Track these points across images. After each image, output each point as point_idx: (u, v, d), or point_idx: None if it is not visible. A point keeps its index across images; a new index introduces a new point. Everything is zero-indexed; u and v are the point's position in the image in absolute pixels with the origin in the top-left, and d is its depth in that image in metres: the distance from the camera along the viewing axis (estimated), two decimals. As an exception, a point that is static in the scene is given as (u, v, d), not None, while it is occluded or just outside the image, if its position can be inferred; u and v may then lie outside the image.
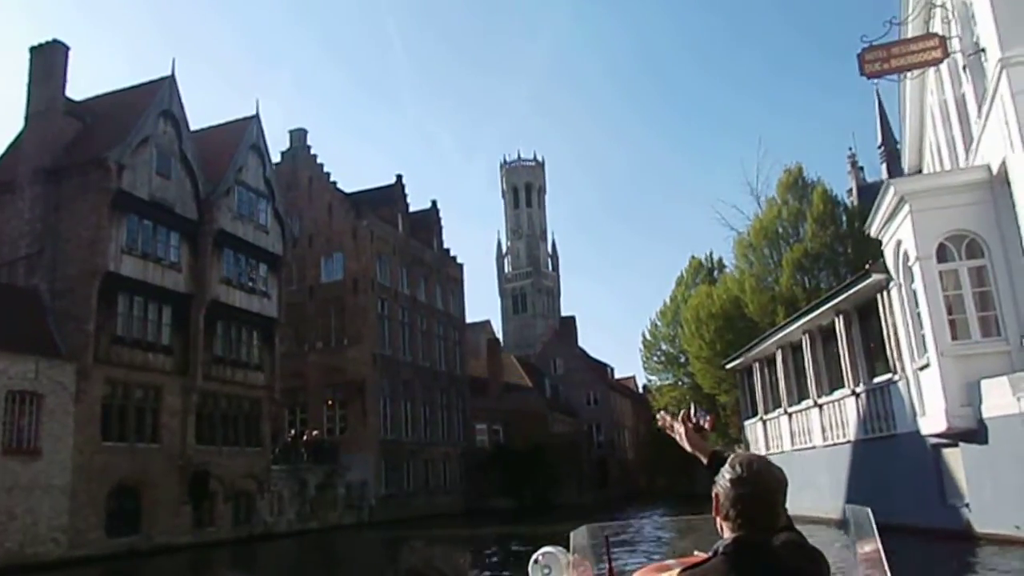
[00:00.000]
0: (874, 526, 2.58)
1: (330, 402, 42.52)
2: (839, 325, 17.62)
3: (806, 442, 20.31)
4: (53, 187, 25.74)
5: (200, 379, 28.43)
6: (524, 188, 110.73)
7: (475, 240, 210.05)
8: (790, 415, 21.47)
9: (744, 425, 26.46)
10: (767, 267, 38.97)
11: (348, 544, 29.58)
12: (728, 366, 26.77)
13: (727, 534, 1.93)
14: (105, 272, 25.03)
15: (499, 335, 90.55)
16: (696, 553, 3.02)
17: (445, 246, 55.50)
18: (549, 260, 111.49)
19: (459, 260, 56.36)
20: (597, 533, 3.21)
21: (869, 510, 2.65)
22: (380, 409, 42.89)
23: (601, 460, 62.71)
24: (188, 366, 28.10)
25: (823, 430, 18.96)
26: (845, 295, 16.80)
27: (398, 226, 48.31)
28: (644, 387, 74.02)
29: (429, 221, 53.63)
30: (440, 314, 51.81)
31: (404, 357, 46.20)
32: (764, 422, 23.57)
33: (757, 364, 24.18)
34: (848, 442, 17.54)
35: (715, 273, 50.66)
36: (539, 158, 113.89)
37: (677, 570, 2.40)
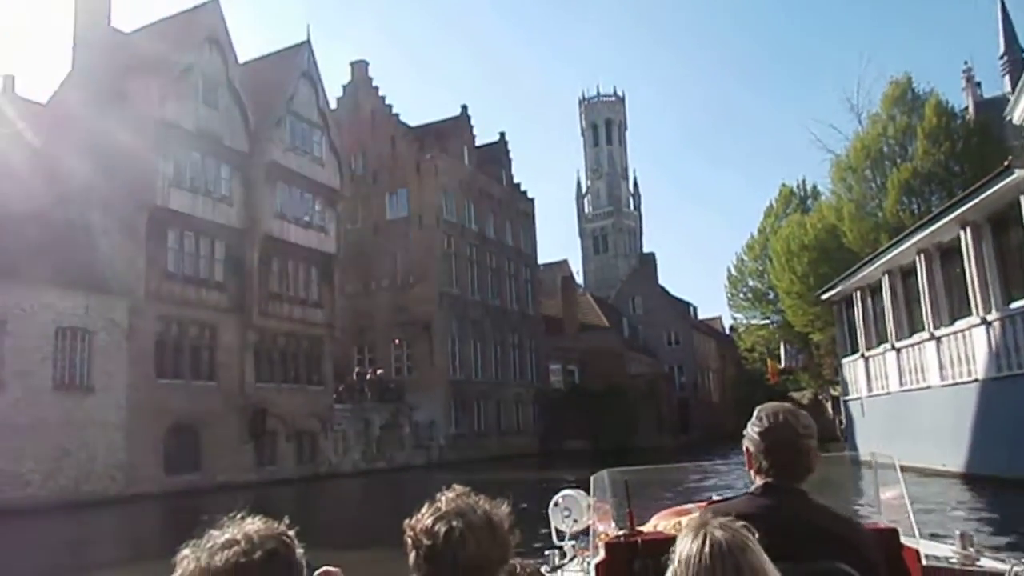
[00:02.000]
0: (899, 471, 2.55)
1: (397, 341, 41.49)
2: (966, 239, 14.69)
3: (918, 381, 17.56)
4: (100, 120, 24.66)
5: (256, 316, 27.49)
6: (604, 125, 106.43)
7: (552, 180, 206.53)
8: (898, 351, 18.68)
9: (841, 364, 23.68)
10: (869, 191, 35.60)
11: (415, 484, 28.55)
12: (824, 297, 23.86)
13: (758, 480, 1.99)
14: (153, 206, 24.03)
15: (579, 277, 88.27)
16: (714, 497, 2.83)
17: (515, 181, 53.25)
18: (631, 199, 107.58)
19: (530, 195, 54.05)
20: (618, 478, 3.06)
21: (894, 457, 2.62)
22: (448, 348, 41.63)
23: (683, 402, 60.24)
24: (244, 303, 27.14)
25: (941, 367, 16.19)
26: (974, 201, 13.86)
27: (464, 159, 46.27)
28: (730, 327, 70.91)
29: (497, 154, 51.38)
30: (510, 251, 49.88)
31: (472, 296, 44.65)
32: (866, 359, 20.79)
33: (858, 293, 21.28)
34: (974, 381, 14.80)
35: (808, 202, 47.36)
36: (619, 93, 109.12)
37: (697, 512, 2.45)
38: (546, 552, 3.09)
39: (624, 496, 2.94)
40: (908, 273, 18.72)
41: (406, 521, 1.56)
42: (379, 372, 36.31)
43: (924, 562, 2.33)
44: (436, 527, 1.50)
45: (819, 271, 35.60)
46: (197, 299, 25.51)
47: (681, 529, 1.87)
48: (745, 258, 51.45)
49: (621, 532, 2.82)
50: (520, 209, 52.18)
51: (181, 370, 24.78)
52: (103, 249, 23.01)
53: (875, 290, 20.62)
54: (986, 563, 2.39)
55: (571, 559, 3.04)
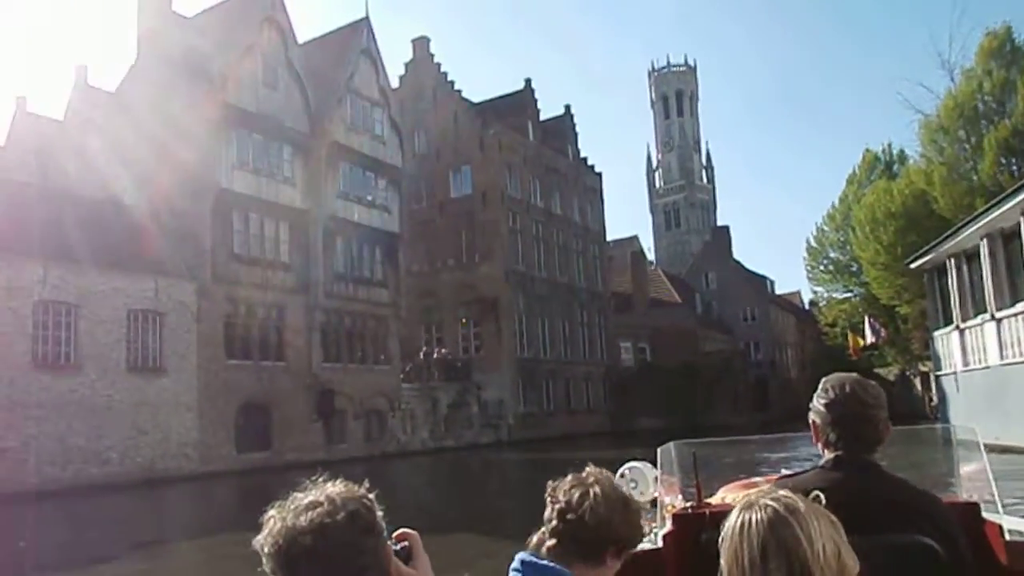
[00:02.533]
0: (981, 445, 2.49)
1: (464, 320, 41.27)
2: (1079, 198, 13.24)
3: (1022, 354, 16.09)
4: (164, 106, 24.92)
5: (322, 296, 27.52)
6: (675, 96, 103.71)
7: (621, 155, 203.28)
8: (999, 321, 17.15)
9: (933, 337, 22.09)
10: (962, 153, 32.89)
11: (484, 462, 28.32)
12: (913, 265, 22.24)
13: (828, 454, 1.94)
14: (218, 188, 24.16)
15: (650, 254, 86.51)
16: (783, 471, 2.64)
17: (582, 155, 52.13)
18: (703, 172, 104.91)
19: (597, 170, 52.84)
20: (685, 450, 3.07)
21: (976, 429, 2.58)
22: (515, 327, 41.19)
23: (760, 380, 58.34)
24: (309, 283, 27.19)
25: (1051, 338, 14.75)
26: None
27: (528, 134, 45.45)
28: (810, 303, 68.37)
29: (563, 129, 50.33)
30: (577, 227, 48.96)
31: (539, 273, 44.01)
32: (961, 332, 19.23)
33: (952, 261, 19.68)
34: (1089, 352, 13.39)
35: (894, 168, 44.63)
36: (691, 62, 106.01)
37: (765, 485, 2.15)
38: None
39: (691, 468, 2.94)
40: (1010, 237, 17.12)
41: (550, 482, 1.65)
42: (443, 351, 36.06)
43: (1007, 537, 2.24)
44: (573, 490, 1.60)
45: (907, 240, 33.57)
46: (263, 280, 25.64)
47: None
48: (825, 228, 49.25)
49: (688, 504, 2.84)
50: (587, 184, 51.11)
51: (250, 351, 24.99)
52: (171, 233, 23.28)
53: (971, 256, 19.02)
54: None
55: None
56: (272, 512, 1.19)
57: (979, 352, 18.56)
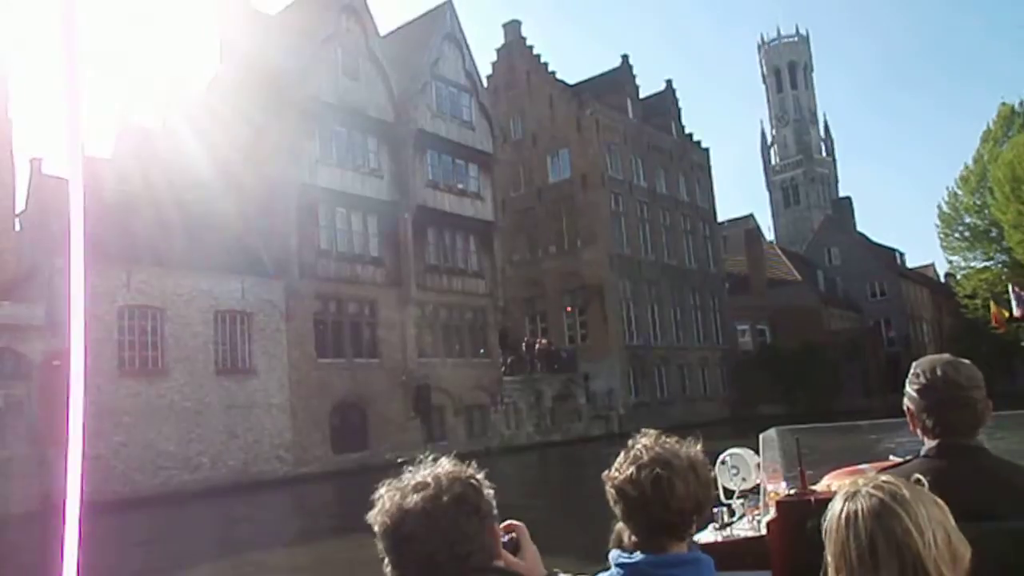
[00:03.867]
0: None
1: (569, 308, 39.91)
2: None
3: None
4: (248, 102, 24.91)
5: (415, 289, 26.90)
6: (787, 68, 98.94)
7: (733, 134, 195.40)
8: None
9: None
10: None
11: (594, 455, 26.96)
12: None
13: (929, 442, 1.90)
14: (302, 184, 23.89)
15: (769, 233, 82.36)
16: (891, 458, 2.93)
17: (687, 131, 49.53)
18: (822, 145, 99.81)
19: (704, 145, 50.07)
20: (787, 436, 3.04)
21: None
22: (622, 313, 39.45)
23: (892, 358, 53.70)
24: (401, 277, 26.61)
25: None
26: None
27: (628, 112, 43.46)
28: (946, 275, 62.80)
29: (665, 105, 47.94)
30: (685, 206, 46.49)
31: (646, 256, 42.00)
32: None
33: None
34: None
35: None
36: (803, 31, 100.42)
37: (871, 472, 2.09)
38: (714, 510, 2.92)
39: (794, 455, 2.86)
40: None
41: (605, 473, 1.53)
42: (544, 341, 34.84)
43: None
44: (642, 476, 1.49)
45: None
46: (353, 275, 25.24)
47: None
48: (959, 192, 45.03)
49: (793, 491, 2.74)
50: (694, 161, 48.48)
51: (342, 348, 24.65)
52: (257, 233, 23.19)
53: None
54: None
55: (740, 517, 2.95)
56: (383, 490, 1.20)
57: None
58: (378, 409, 25.20)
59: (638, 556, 1.49)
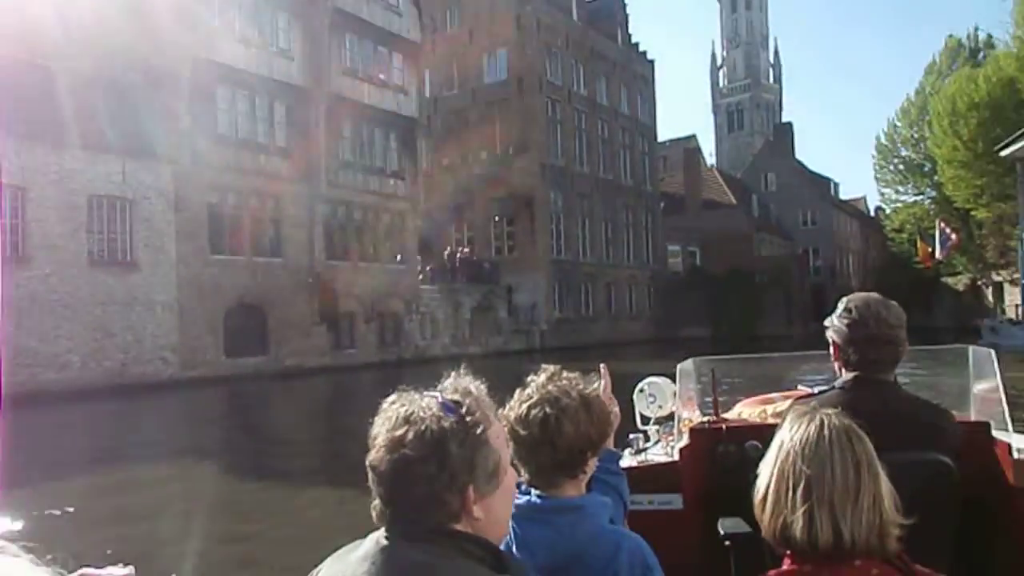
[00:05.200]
0: (996, 366, 2.54)
1: (496, 218, 38.41)
2: None
3: None
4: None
5: (325, 186, 24.91)
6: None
7: (684, 51, 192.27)
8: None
9: (1022, 238, 18.36)
10: None
11: (510, 369, 25.95)
12: (1004, 152, 18.36)
13: (846, 374, 2.01)
14: (196, 59, 21.29)
15: (711, 158, 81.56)
16: (800, 388, 3.07)
17: (633, 41, 47.36)
18: (770, 70, 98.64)
19: (650, 57, 48.08)
20: (703, 366, 3.13)
21: (992, 351, 2.60)
22: (552, 226, 38.17)
23: (817, 288, 54.32)
24: (311, 171, 24.53)
25: None
26: None
27: (572, 13, 40.99)
28: (876, 209, 63.47)
29: (611, 10, 45.47)
30: (625, 119, 44.85)
31: (580, 168, 40.49)
32: (1069, 231, 15.65)
33: (1064, 145, 15.88)
34: None
35: (980, 56, 40.47)
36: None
37: (781, 401, 2.85)
38: (630, 436, 2.91)
39: (709, 385, 2.97)
40: None
41: (499, 411, 1.43)
42: (465, 251, 33.38)
43: (1015, 455, 2.29)
44: (531, 414, 1.49)
45: (990, 134, 31.18)
46: (256, 166, 23.05)
47: (766, 417, 2.67)
48: (898, 124, 44.99)
49: (705, 418, 2.87)
50: (637, 73, 46.57)
51: (240, 244, 22.70)
52: (141, 110, 20.65)
53: (1092, 138, 15.20)
54: None
55: (655, 443, 2.99)
56: (388, 402, 1.14)
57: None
58: (280, 312, 23.54)
59: (524, 498, 1.47)
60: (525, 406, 1.50)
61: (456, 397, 1.14)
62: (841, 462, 1.20)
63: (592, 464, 1.55)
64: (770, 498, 1.24)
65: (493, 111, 38.32)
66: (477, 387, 1.19)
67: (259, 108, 23.37)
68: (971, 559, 2.10)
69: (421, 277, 29.65)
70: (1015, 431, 2.44)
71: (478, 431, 1.13)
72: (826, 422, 1.25)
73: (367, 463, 1.11)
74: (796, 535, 1.20)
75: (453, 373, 1.22)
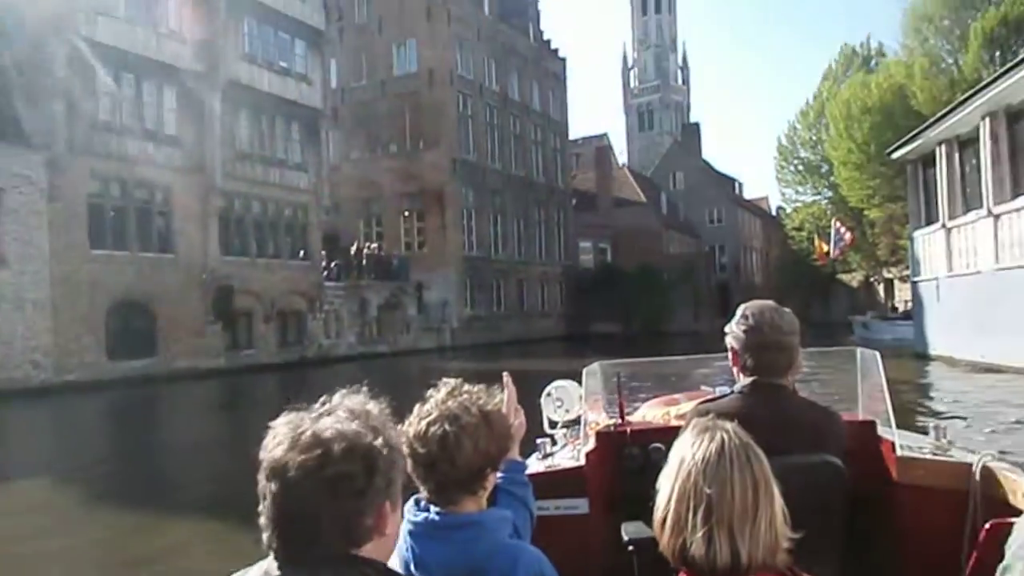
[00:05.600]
0: (880, 366, 2.63)
1: (407, 214, 37.72)
2: None
3: (1024, 258, 13.13)
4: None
5: (221, 178, 23.74)
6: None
7: (599, 53, 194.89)
8: (996, 218, 14.11)
9: (913, 238, 19.07)
10: (945, 45, 31.31)
11: (416, 369, 25.49)
12: (895, 155, 18.98)
13: (744, 379, 2.08)
14: (75, 37, 19.86)
15: (623, 156, 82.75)
16: (703, 388, 3.28)
17: (545, 38, 47.37)
18: (679, 72, 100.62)
19: (561, 54, 48.25)
20: (609, 370, 3.15)
21: (877, 353, 2.68)
22: (463, 222, 37.74)
23: (723, 284, 55.84)
24: (205, 162, 23.34)
25: (1064, 238, 11.71)
26: None
27: (484, 7, 40.61)
28: (777, 208, 65.69)
29: (524, 6, 45.34)
30: (537, 115, 44.85)
31: (491, 164, 40.22)
32: (948, 231, 16.18)
33: (943, 148, 16.44)
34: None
35: (872, 63, 42.45)
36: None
37: (686, 402, 2.92)
38: (537, 440, 2.86)
39: (614, 387, 3.03)
40: (1020, 115, 13.89)
41: (400, 427, 1.40)
42: (373, 246, 32.59)
43: (898, 452, 2.38)
44: (430, 431, 1.47)
45: (882, 138, 32.58)
46: (143, 155, 21.71)
47: (670, 419, 2.72)
48: (798, 126, 46.48)
49: (611, 422, 2.92)
50: (549, 70, 46.65)
51: (125, 239, 21.37)
52: (11, 92, 19.15)
53: (967, 142, 15.80)
54: (956, 454, 2.41)
55: (562, 447, 2.95)
56: (283, 422, 1.10)
57: (968, 255, 15.57)
58: (170, 311, 22.29)
59: (422, 515, 1.47)
60: (424, 423, 1.48)
61: (362, 413, 1.13)
62: (740, 483, 1.20)
63: (492, 479, 1.55)
64: (670, 518, 1.22)
65: (403, 104, 37.60)
66: (376, 404, 1.18)
67: (147, 93, 22.04)
68: (860, 555, 2.19)
69: (326, 274, 28.73)
70: (898, 428, 2.52)
71: (392, 446, 1.13)
72: (727, 441, 1.24)
73: (266, 486, 1.07)
74: (695, 555, 1.19)
75: (341, 391, 1.18)
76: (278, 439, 1.08)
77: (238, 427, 13.18)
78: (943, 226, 16.34)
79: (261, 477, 1.08)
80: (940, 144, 16.50)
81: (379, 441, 1.11)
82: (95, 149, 20.37)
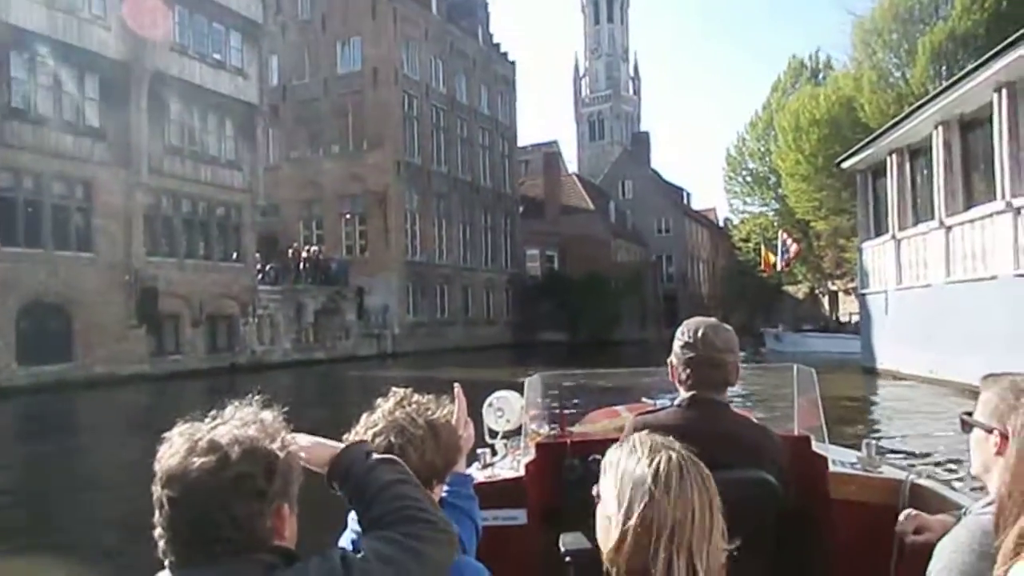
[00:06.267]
0: (816, 383, 2.72)
1: (348, 216, 36.56)
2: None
3: (976, 271, 12.83)
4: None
5: (147, 174, 22.35)
6: (606, 1, 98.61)
7: (550, 61, 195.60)
8: (948, 229, 13.88)
9: (861, 249, 18.88)
10: (893, 59, 31.45)
11: (352, 377, 24.42)
12: (845, 165, 18.78)
13: (683, 393, 2.13)
14: (-12, 21, 18.42)
15: (573, 165, 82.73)
16: (644, 400, 3.31)
17: (495, 41, 46.75)
18: (630, 82, 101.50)
19: (511, 58, 47.65)
20: (551, 381, 3.25)
21: (813, 370, 2.76)
22: (407, 226, 36.74)
23: (670, 294, 55.92)
24: (130, 156, 21.94)
25: (1019, 251, 11.42)
26: None
27: (431, 7, 39.77)
28: (724, 220, 66.29)
29: (472, 7, 44.63)
30: (485, 119, 44.12)
31: (437, 167, 39.33)
32: (898, 243, 15.96)
33: (894, 157, 16.25)
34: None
35: (820, 75, 42.87)
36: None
37: (626, 414, 2.96)
38: (478, 451, 2.85)
39: (556, 398, 3.10)
40: (971, 125, 13.69)
41: (344, 435, 1.48)
42: (312, 249, 31.40)
43: (831, 467, 2.42)
44: (375, 442, 1.46)
45: (829, 150, 32.90)
46: (60, 147, 20.24)
47: (610, 431, 2.65)
48: (747, 137, 46.75)
49: (552, 432, 2.97)
50: (498, 73, 46.02)
51: (39, 237, 19.87)
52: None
53: (918, 151, 15.63)
54: (886, 471, 2.48)
55: (502, 457, 2.97)
56: (176, 432, 1.10)
57: (918, 267, 15.35)
58: (88, 314, 20.82)
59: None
60: (370, 432, 1.49)
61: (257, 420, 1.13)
62: (700, 505, 1.18)
63: (438, 491, 1.53)
64: (629, 543, 1.16)
65: (346, 103, 36.49)
66: (270, 413, 1.17)
67: (66, 81, 20.56)
68: (794, 570, 2.19)
69: (261, 277, 27.46)
70: (831, 443, 2.54)
71: (289, 451, 1.13)
72: (683, 462, 1.22)
73: (162, 494, 1.06)
74: None
75: (232, 404, 1.17)
76: (174, 448, 1.07)
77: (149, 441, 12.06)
78: (893, 237, 16.13)
79: (156, 487, 1.07)
80: (891, 153, 16.31)
81: (276, 445, 1.11)
82: (6, 139, 18.89)
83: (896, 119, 16.04)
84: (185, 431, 1.09)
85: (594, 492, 1.27)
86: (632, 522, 1.16)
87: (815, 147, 34.36)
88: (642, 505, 1.17)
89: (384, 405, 1.53)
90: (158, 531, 1.07)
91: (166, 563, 1.08)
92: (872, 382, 16.40)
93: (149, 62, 22.21)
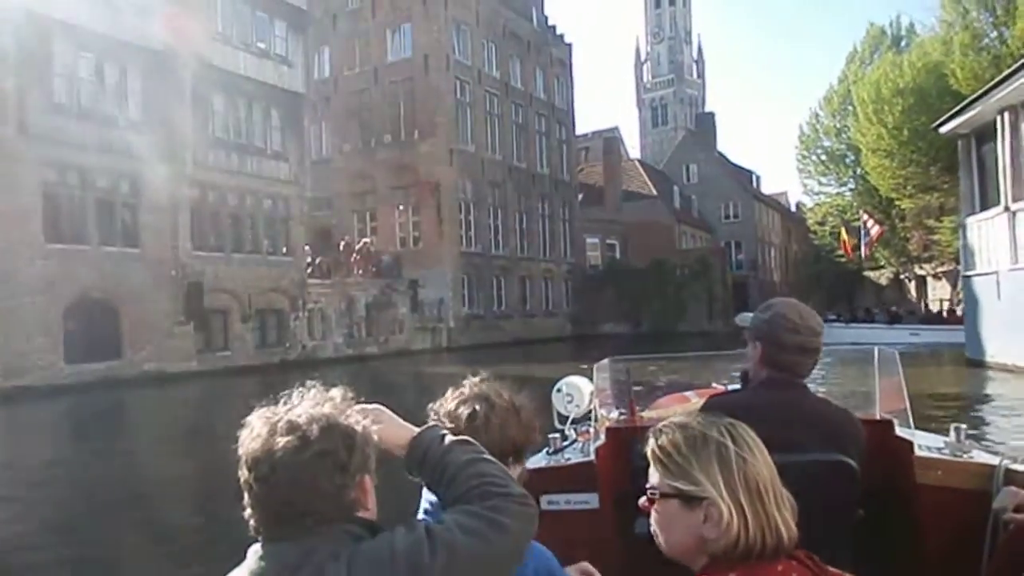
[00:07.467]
0: (899, 366, 2.62)
1: (401, 208, 35.67)
2: None
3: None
4: None
5: (193, 167, 21.79)
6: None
7: (611, 45, 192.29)
8: (1076, 197, 11.93)
9: (964, 225, 16.77)
10: (988, 18, 28.48)
11: (405, 372, 23.52)
12: (944, 129, 16.66)
13: (761, 373, 2.03)
14: (28, 11, 17.92)
15: (635, 151, 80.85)
16: (714, 385, 3.28)
17: (550, 23, 45.20)
18: (694, 65, 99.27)
19: (567, 40, 46.03)
20: (620, 365, 3.23)
21: (896, 352, 2.68)
22: (460, 216, 35.66)
23: (739, 282, 53.40)
24: (175, 150, 21.34)
25: None
26: None
27: (483, -11, 38.50)
28: (798, 205, 63.30)
29: (526, -14, 43.12)
30: (541, 104, 42.64)
31: (491, 155, 38.09)
32: (1012, 215, 13.96)
33: (1006, 117, 14.17)
34: None
35: (902, 44, 39.95)
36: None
37: (696, 399, 2.97)
38: (549, 436, 2.86)
39: (626, 384, 3.07)
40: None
41: (430, 405, 1.55)
42: (364, 242, 30.56)
43: (917, 452, 2.33)
44: (459, 410, 1.51)
45: (915, 122, 30.44)
46: (105, 142, 19.72)
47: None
48: (821, 114, 44.19)
49: (622, 417, 2.95)
50: (554, 56, 44.44)
51: (85, 233, 19.44)
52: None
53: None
54: (977, 455, 2.37)
55: (572, 442, 2.97)
56: (256, 416, 1.14)
57: (1038, 243, 13.37)
58: (136, 310, 20.34)
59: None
60: (455, 402, 1.53)
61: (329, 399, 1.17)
62: (765, 461, 1.19)
63: (516, 469, 1.50)
64: (747, 513, 1.14)
65: (397, 92, 35.55)
66: (340, 391, 1.20)
67: (108, 74, 20.04)
68: (876, 556, 2.17)
69: (310, 270, 26.74)
70: (917, 428, 2.44)
71: (364, 424, 1.18)
72: (731, 426, 1.22)
73: (249, 477, 1.09)
74: (764, 541, 1.14)
75: (299, 390, 1.19)
76: (255, 432, 1.11)
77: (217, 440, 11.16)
78: (1006, 209, 14.12)
79: (243, 471, 1.10)
80: (1002, 112, 14.26)
81: (352, 419, 1.15)
82: (51, 134, 18.41)
83: (1008, 71, 13.97)
84: (263, 415, 1.12)
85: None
86: (742, 489, 1.14)
87: (899, 119, 31.99)
88: (738, 472, 1.15)
89: (470, 379, 1.57)
90: (248, 511, 1.10)
91: (259, 539, 1.11)
92: (980, 376, 14.50)
93: (193, 53, 21.54)
